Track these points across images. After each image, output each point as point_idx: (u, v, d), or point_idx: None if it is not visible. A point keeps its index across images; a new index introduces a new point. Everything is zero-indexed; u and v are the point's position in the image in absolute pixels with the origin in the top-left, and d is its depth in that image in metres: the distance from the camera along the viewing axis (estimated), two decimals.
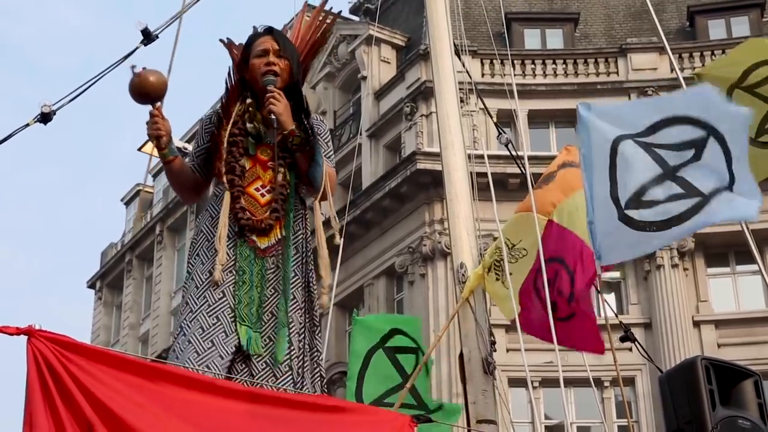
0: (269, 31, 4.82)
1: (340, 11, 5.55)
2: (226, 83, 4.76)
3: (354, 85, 29.24)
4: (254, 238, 4.49)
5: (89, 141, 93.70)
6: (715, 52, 26.18)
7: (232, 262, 4.45)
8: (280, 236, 4.52)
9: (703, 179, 5.37)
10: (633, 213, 5.40)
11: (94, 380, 3.33)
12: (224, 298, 4.37)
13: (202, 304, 4.37)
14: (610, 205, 5.49)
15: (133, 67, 4.50)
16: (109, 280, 40.72)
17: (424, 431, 4.11)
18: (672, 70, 23.49)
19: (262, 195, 4.58)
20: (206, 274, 4.44)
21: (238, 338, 4.32)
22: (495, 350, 5.98)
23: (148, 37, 5.74)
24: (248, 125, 4.65)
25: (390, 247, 25.36)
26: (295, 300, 4.47)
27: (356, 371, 7.28)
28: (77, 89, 5.65)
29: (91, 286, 41.78)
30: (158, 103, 4.56)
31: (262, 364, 4.34)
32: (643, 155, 5.56)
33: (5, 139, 5.28)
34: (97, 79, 5.75)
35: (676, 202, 5.33)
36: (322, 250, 4.64)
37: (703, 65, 25.79)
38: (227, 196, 4.52)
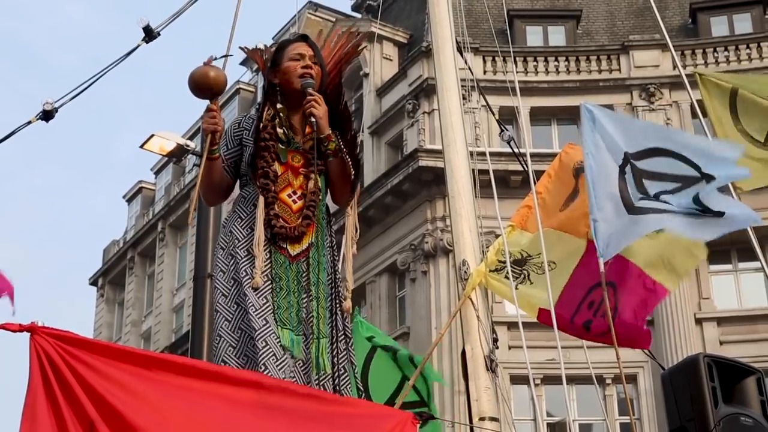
0: (304, 37, 4.83)
1: (368, 32, 5.59)
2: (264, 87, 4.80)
3: (356, 82, 29.22)
4: (286, 246, 4.51)
5: (92, 138, 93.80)
6: (718, 49, 26.17)
7: (268, 269, 4.47)
8: (310, 242, 4.56)
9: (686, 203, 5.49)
10: (643, 203, 5.46)
11: (96, 375, 3.33)
12: (267, 303, 4.40)
13: (249, 305, 4.40)
14: (619, 205, 5.51)
15: (206, 63, 4.48)
16: (111, 277, 40.74)
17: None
18: (674, 67, 23.45)
19: (294, 201, 4.59)
20: (244, 275, 4.44)
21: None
22: (497, 347, 5.97)
23: (149, 34, 5.75)
24: (279, 131, 4.65)
25: (392, 245, 25.36)
26: (330, 306, 4.53)
27: (359, 367, 7.27)
28: (79, 87, 5.68)
29: (93, 283, 41.81)
30: (216, 99, 4.56)
31: (302, 367, 4.38)
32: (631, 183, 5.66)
33: (7, 137, 5.29)
34: (99, 77, 5.77)
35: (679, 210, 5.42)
36: (349, 255, 4.70)
37: (705, 62, 25.79)
38: (261, 201, 4.53)
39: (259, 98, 4.88)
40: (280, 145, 4.65)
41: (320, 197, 4.63)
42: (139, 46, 5.80)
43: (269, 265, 4.47)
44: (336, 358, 4.45)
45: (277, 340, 4.32)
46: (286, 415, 3.54)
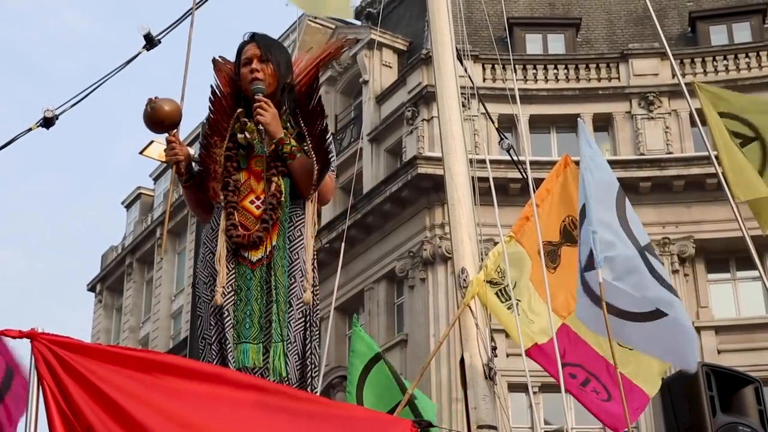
0: (252, 37, 4.79)
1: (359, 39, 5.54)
2: (211, 101, 4.70)
3: (355, 89, 29.26)
4: (246, 255, 4.48)
5: (91, 144, 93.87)
6: (717, 58, 26.20)
7: (233, 279, 4.46)
8: (272, 245, 4.51)
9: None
10: (651, 258, 5.53)
11: (96, 379, 3.33)
12: (228, 318, 4.41)
13: (212, 329, 4.43)
14: (616, 225, 5.56)
15: (150, 100, 4.50)
16: (109, 282, 40.73)
17: None
18: (673, 75, 23.48)
19: (257, 207, 4.55)
20: (210, 294, 4.46)
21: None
22: (496, 355, 5.97)
23: (150, 42, 5.77)
24: (239, 136, 4.60)
25: (390, 252, 25.36)
26: (291, 308, 4.47)
27: (356, 376, 7.27)
28: (79, 94, 5.70)
29: (92, 288, 41.79)
30: (174, 130, 4.57)
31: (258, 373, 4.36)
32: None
33: (8, 143, 5.30)
34: (99, 84, 5.80)
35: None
36: (310, 247, 4.61)
37: (704, 71, 25.83)
38: (223, 214, 4.53)
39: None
40: (241, 151, 4.61)
41: (281, 200, 4.56)
42: (140, 53, 5.81)
43: (234, 277, 4.46)
44: (294, 360, 4.43)
45: (234, 362, 4.33)
46: (288, 414, 3.54)
